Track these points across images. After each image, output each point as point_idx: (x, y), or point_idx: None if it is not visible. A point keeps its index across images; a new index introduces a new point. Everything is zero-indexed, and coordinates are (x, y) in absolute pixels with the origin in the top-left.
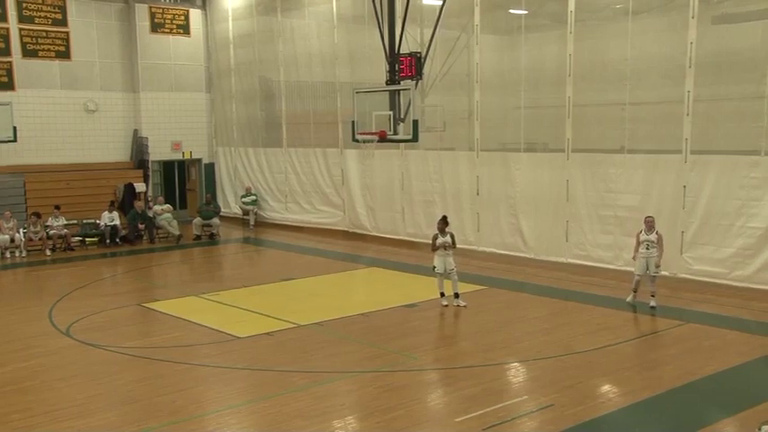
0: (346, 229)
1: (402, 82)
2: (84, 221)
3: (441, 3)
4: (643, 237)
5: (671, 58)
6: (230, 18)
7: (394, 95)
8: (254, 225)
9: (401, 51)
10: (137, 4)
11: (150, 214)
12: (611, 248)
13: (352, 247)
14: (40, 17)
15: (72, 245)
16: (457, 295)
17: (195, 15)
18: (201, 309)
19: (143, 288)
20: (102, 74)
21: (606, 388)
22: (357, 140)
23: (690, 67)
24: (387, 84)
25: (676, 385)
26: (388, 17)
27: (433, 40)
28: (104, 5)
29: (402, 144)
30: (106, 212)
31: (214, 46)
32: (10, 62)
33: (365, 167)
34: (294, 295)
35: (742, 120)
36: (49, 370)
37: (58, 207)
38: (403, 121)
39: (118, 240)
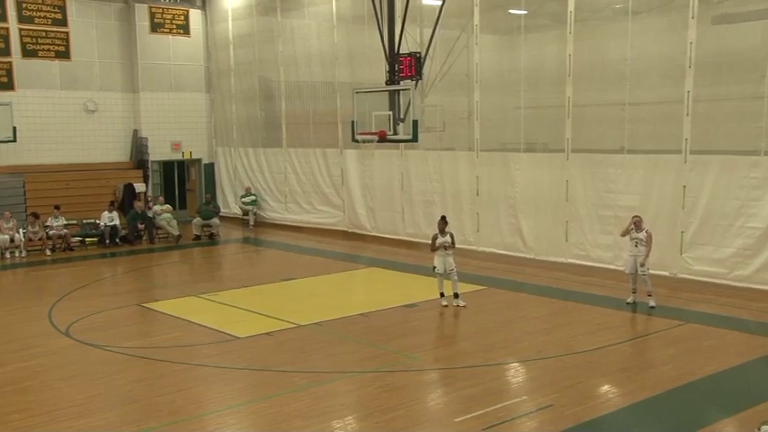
0: (346, 229)
1: (402, 82)
2: (84, 221)
3: (440, 3)
4: (633, 234)
5: (671, 58)
6: (230, 18)
7: (394, 95)
8: (253, 225)
9: (401, 51)
10: (136, 4)
11: (150, 214)
12: (611, 248)
13: (351, 247)
14: (39, 17)
15: (72, 245)
16: (457, 295)
17: (195, 15)
18: (201, 309)
19: (143, 288)
20: (101, 74)
21: (606, 388)
22: (357, 140)
23: (689, 67)
24: (386, 84)
25: (676, 385)
26: (388, 17)
27: (433, 40)
28: (104, 5)
29: (402, 144)
30: (106, 212)
31: (214, 46)
32: (10, 62)
33: (365, 168)
34: (294, 295)
35: (742, 120)
36: (48, 370)
37: (57, 207)
38: (403, 121)
39: (117, 240)
